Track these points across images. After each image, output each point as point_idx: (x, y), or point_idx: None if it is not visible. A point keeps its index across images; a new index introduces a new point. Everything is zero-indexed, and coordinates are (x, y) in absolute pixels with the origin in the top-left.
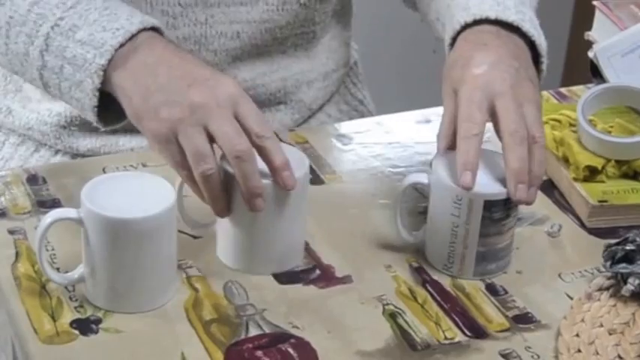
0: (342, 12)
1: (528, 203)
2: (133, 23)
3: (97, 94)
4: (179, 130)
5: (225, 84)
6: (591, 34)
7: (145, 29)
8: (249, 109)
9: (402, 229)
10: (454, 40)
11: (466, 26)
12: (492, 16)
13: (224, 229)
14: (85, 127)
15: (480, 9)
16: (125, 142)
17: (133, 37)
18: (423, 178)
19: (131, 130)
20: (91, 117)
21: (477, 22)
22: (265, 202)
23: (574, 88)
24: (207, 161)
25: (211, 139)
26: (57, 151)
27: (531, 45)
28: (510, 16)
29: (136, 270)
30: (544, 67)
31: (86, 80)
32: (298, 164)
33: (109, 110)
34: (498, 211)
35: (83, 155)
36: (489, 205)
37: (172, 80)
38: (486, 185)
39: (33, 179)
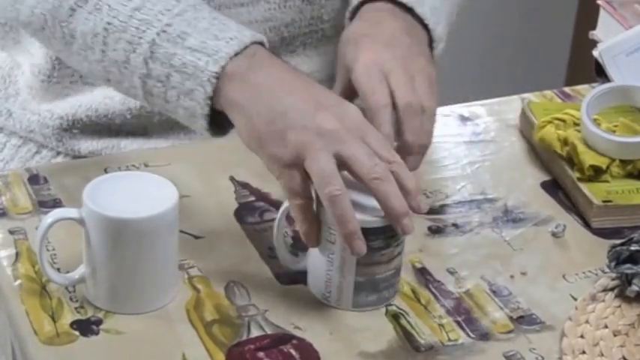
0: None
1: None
2: (245, 35)
3: (210, 102)
4: (307, 155)
5: (352, 111)
6: (596, 34)
7: (255, 42)
8: (377, 136)
9: (285, 255)
10: (353, 15)
11: (365, 2)
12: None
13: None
14: (86, 129)
15: None
16: (127, 144)
17: (246, 47)
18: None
19: (133, 132)
20: (202, 125)
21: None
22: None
23: (578, 87)
24: (335, 182)
25: (339, 166)
26: (58, 153)
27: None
28: None
29: (137, 270)
30: (437, 51)
31: (197, 89)
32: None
33: (215, 120)
34: (376, 240)
35: (84, 157)
36: (366, 232)
37: (298, 104)
38: (363, 211)
39: (34, 179)
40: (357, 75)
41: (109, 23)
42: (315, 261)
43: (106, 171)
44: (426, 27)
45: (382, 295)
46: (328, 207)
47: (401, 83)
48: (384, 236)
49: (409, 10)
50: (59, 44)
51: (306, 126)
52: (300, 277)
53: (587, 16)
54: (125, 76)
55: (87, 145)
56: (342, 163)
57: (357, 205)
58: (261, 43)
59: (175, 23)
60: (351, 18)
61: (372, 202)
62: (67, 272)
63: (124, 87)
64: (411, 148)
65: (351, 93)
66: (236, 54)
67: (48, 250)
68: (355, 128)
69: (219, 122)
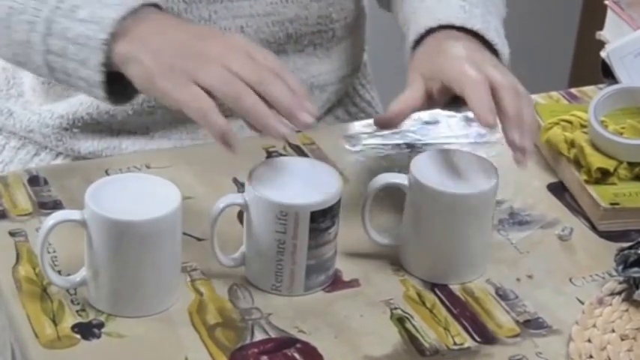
0: (361, 13)
1: (524, 150)
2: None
3: (103, 69)
4: (198, 74)
5: (236, 37)
6: (603, 34)
7: (146, 5)
8: (262, 52)
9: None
10: (417, 43)
11: (431, 31)
12: (457, 23)
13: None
14: (87, 129)
15: (445, 15)
16: (128, 144)
17: (135, 11)
18: (239, 200)
19: (134, 132)
20: (100, 95)
21: (442, 27)
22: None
23: (585, 88)
24: (237, 83)
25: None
26: (58, 154)
27: (495, 54)
28: (476, 25)
29: (140, 273)
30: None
31: (90, 57)
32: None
33: (119, 93)
34: (325, 220)
35: (84, 158)
36: (316, 215)
37: (183, 37)
38: (309, 195)
39: (34, 180)
40: (451, 75)
41: (10, 7)
42: (259, 254)
43: (107, 172)
44: (494, 51)
45: (328, 273)
46: (238, 109)
47: (493, 73)
48: (331, 215)
49: (477, 37)
50: None
51: (193, 53)
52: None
53: (592, 16)
54: (30, 55)
55: (87, 145)
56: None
57: (304, 190)
58: (155, 6)
59: None
60: (413, 47)
61: (314, 184)
62: (69, 275)
63: (32, 67)
64: (513, 121)
65: (425, 100)
66: (123, 18)
67: (49, 252)
68: (240, 49)
69: (121, 91)
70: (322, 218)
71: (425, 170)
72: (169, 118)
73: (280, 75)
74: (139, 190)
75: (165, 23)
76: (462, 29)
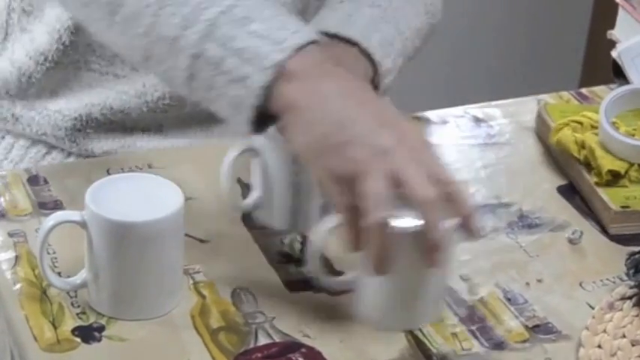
0: None
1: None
2: (309, 31)
3: (264, 93)
4: (362, 174)
5: (414, 131)
6: (614, 33)
7: (319, 42)
8: (434, 157)
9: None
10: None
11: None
12: (332, 30)
13: (370, 285)
14: (101, 128)
15: (322, 23)
16: (143, 143)
17: (309, 43)
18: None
19: (148, 129)
20: (245, 118)
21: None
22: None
23: (595, 88)
24: (388, 209)
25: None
26: (70, 154)
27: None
28: (349, 32)
29: (141, 275)
30: (381, 87)
31: (254, 76)
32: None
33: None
34: None
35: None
36: None
37: (364, 118)
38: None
39: (34, 180)
40: None
41: None
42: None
43: (108, 172)
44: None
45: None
46: (373, 232)
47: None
48: None
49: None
50: (100, 11)
51: (369, 142)
52: (308, 283)
53: (603, 15)
54: (171, 54)
55: (101, 144)
56: (396, 184)
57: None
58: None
59: (241, 5)
60: None
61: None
62: (69, 277)
63: (163, 67)
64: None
65: None
66: (300, 48)
67: (48, 253)
68: (414, 148)
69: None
70: None
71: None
72: (183, 116)
73: (450, 190)
74: (140, 191)
75: (348, 86)
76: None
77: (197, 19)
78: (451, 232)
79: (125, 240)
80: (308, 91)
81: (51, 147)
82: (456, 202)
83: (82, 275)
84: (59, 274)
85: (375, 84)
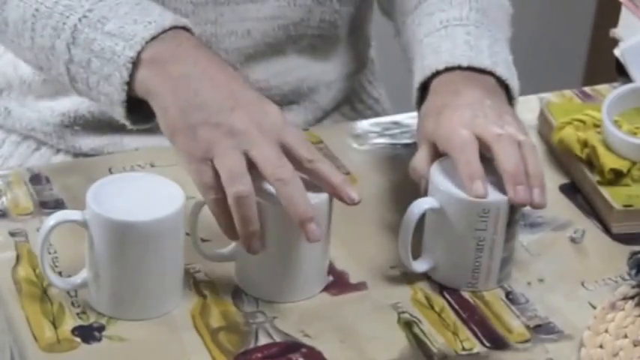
0: (364, 14)
1: (540, 206)
2: (165, 18)
3: (126, 87)
4: (215, 152)
5: (269, 112)
6: (617, 32)
7: (177, 27)
8: (295, 136)
9: (413, 262)
10: (424, 84)
11: (437, 73)
12: (465, 63)
13: (244, 258)
14: (89, 126)
15: (451, 55)
16: (130, 141)
17: (164, 31)
18: (433, 203)
19: (136, 129)
20: (120, 113)
21: (449, 69)
22: (290, 228)
23: (598, 87)
24: (243, 182)
25: (250, 166)
26: (58, 150)
27: (506, 86)
28: (483, 62)
29: (142, 275)
30: (516, 107)
31: (114, 73)
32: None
33: (138, 109)
34: (517, 213)
35: (86, 155)
36: (512, 209)
37: (216, 99)
38: (504, 190)
39: (36, 179)
40: (442, 141)
41: (36, 10)
42: (458, 253)
43: (110, 171)
44: (504, 85)
45: (511, 264)
46: (233, 207)
47: (487, 126)
48: (519, 207)
49: (485, 72)
50: None
51: (219, 123)
52: None
53: (606, 13)
54: (52, 62)
55: (88, 142)
56: (250, 164)
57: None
58: (184, 28)
59: (97, 8)
60: (420, 92)
61: (496, 180)
62: (69, 276)
63: (53, 74)
64: (515, 177)
65: (435, 156)
66: (153, 38)
67: (49, 253)
68: (270, 129)
69: (142, 111)
70: (515, 210)
71: None
72: None
73: (313, 167)
74: (141, 190)
75: (203, 69)
76: (469, 68)
77: (63, 27)
78: (323, 206)
79: (126, 239)
80: (160, 77)
81: (40, 143)
82: (320, 178)
83: (82, 275)
84: (60, 273)
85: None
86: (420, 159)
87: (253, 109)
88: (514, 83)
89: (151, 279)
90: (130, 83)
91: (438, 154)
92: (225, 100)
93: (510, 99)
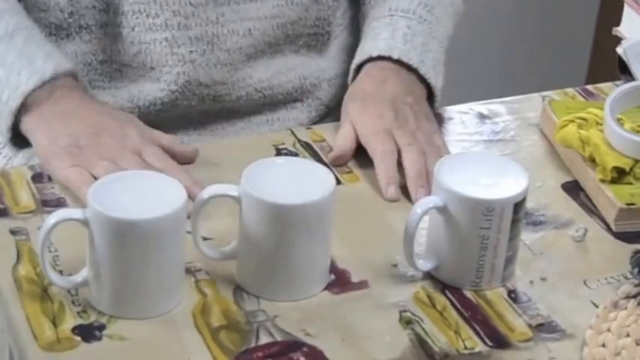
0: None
1: None
2: (46, 69)
3: (9, 133)
4: (90, 167)
5: (130, 134)
6: (619, 30)
7: (59, 75)
8: (153, 151)
9: (417, 261)
10: (360, 66)
11: (371, 59)
12: (395, 55)
13: (245, 257)
14: None
15: (387, 45)
16: None
17: (45, 83)
18: (437, 202)
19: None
20: (10, 151)
21: (382, 58)
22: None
23: (601, 85)
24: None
25: None
26: None
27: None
28: (412, 58)
29: (143, 273)
30: (436, 105)
31: (2, 117)
32: (323, 183)
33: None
34: (521, 211)
35: None
36: (516, 207)
37: (81, 128)
38: (508, 189)
39: (37, 177)
40: (364, 135)
41: None
42: (462, 252)
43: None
44: (427, 83)
45: (515, 263)
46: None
47: (402, 136)
48: (524, 205)
49: (412, 68)
50: None
51: (87, 145)
52: None
53: (610, 11)
54: None
55: None
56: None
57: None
58: (69, 73)
59: None
60: (356, 71)
61: (499, 177)
62: (70, 274)
63: None
64: (416, 180)
65: (356, 143)
66: (35, 89)
67: (50, 251)
68: (132, 147)
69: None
70: (519, 208)
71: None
72: (176, 118)
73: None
74: (142, 189)
75: (74, 107)
76: (399, 61)
77: None
78: (324, 203)
79: (127, 238)
80: (36, 118)
81: None
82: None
83: (83, 273)
84: (60, 272)
85: (430, 101)
86: (344, 135)
87: (116, 132)
88: (436, 82)
89: (151, 277)
90: (14, 126)
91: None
92: (91, 128)
93: (432, 97)
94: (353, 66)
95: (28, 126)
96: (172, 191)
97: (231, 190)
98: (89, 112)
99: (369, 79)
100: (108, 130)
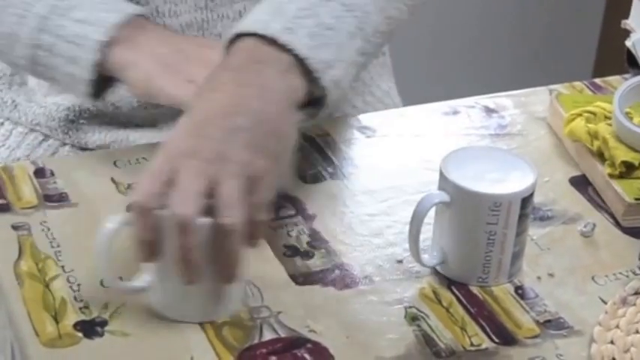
0: None
1: None
2: (129, 8)
3: (95, 68)
4: (197, 77)
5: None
6: (628, 22)
7: (139, 15)
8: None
9: (422, 257)
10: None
11: (233, 40)
12: (251, 30)
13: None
14: (94, 121)
15: (250, 21)
16: (136, 137)
17: (131, 19)
18: (443, 196)
19: (142, 124)
20: (82, 90)
21: (242, 35)
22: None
23: (609, 78)
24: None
25: None
26: (65, 143)
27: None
28: (269, 29)
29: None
30: (323, 82)
31: (83, 56)
32: None
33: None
34: (528, 206)
35: (92, 150)
36: (524, 202)
37: (181, 44)
38: (515, 183)
39: (40, 172)
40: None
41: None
42: (468, 247)
43: (115, 165)
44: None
45: (522, 258)
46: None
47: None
48: (531, 200)
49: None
50: None
51: (192, 58)
52: (316, 277)
53: (617, 3)
54: (13, 48)
55: (94, 138)
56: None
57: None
58: (145, 17)
59: None
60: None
61: (506, 171)
62: (72, 270)
63: (10, 59)
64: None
65: None
66: (121, 24)
67: (52, 247)
68: None
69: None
70: (527, 203)
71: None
72: (177, 110)
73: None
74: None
75: (161, 33)
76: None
77: (27, 14)
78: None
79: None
80: (134, 47)
81: (47, 135)
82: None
83: (145, 278)
84: (63, 267)
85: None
86: None
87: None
88: (314, 53)
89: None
90: (99, 65)
91: None
92: (190, 44)
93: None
94: (224, 42)
95: (121, 57)
96: None
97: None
98: (180, 35)
99: (206, 85)
100: (206, 43)
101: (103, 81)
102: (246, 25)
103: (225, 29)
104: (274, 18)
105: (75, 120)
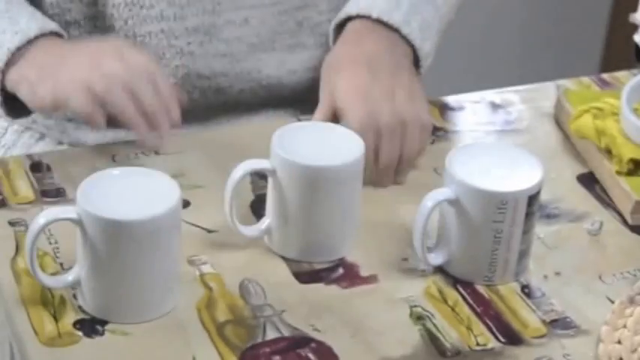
0: None
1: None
2: (31, 28)
3: None
4: (96, 87)
5: (137, 56)
6: (636, 17)
7: (43, 34)
8: (137, 56)
9: (428, 255)
10: (340, 26)
11: (350, 18)
12: (375, 14)
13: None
14: None
15: (368, 3)
16: (133, 137)
17: (30, 41)
18: (449, 194)
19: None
20: None
21: (361, 17)
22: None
23: (617, 74)
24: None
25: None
26: (61, 142)
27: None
28: (393, 18)
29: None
30: (422, 70)
31: None
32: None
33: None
34: (535, 204)
35: None
36: (531, 200)
37: (80, 59)
38: (522, 181)
39: (36, 167)
40: (339, 101)
41: None
42: (474, 246)
43: (114, 159)
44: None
45: (529, 257)
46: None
47: (381, 102)
48: (538, 197)
49: (393, 28)
50: None
51: (91, 68)
52: (320, 275)
53: None
54: None
55: (91, 136)
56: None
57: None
58: (53, 33)
59: None
60: (336, 32)
61: (512, 168)
62: (70, 267)
63: None
64: (387, 169)
65: (334, 115)
66: (18, 48)
67: (50, 243)
68: (140, 72)
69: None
70: (534, 201)
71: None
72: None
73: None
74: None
75: (58, 49)
76: (378, 20)
77: None
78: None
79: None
80: (28, 65)
81: (43, 133)
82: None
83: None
84: (61, 264)
85: (417, 66)
86: (320, 110)
87: (121, 52)
88: (422, 45)
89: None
90: (2, 89)
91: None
92: (91, 58)
93: (418, 61)
94: (332, 26)
95: (14, 76)
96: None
97: (69, 212)
98: (85, 47)
99: (345, 44)
100: (110, 53)
101: (15, 99)
102: (364, 8)
103: (232, 35)
104: (392, 6)
105: (72, 119)
